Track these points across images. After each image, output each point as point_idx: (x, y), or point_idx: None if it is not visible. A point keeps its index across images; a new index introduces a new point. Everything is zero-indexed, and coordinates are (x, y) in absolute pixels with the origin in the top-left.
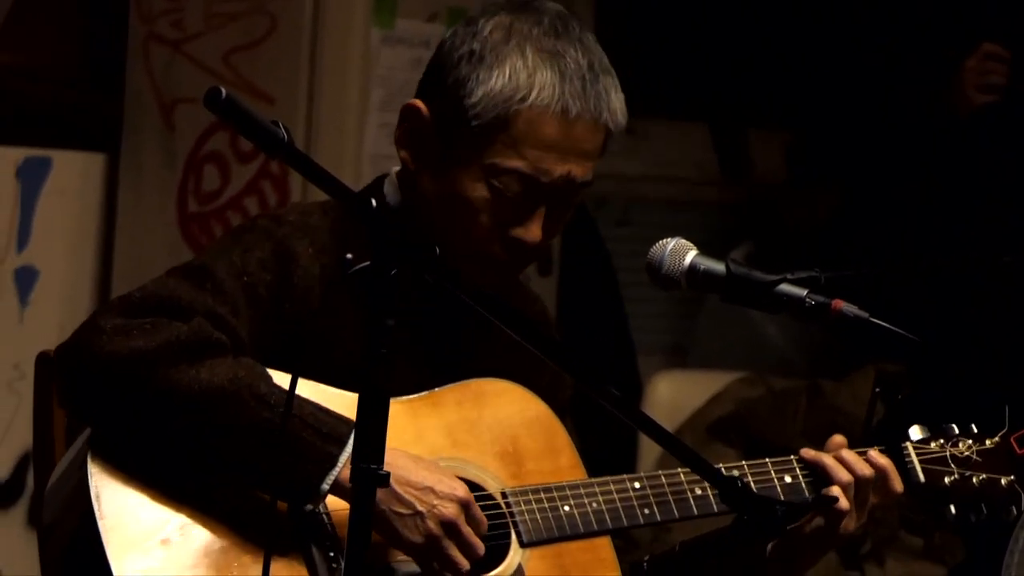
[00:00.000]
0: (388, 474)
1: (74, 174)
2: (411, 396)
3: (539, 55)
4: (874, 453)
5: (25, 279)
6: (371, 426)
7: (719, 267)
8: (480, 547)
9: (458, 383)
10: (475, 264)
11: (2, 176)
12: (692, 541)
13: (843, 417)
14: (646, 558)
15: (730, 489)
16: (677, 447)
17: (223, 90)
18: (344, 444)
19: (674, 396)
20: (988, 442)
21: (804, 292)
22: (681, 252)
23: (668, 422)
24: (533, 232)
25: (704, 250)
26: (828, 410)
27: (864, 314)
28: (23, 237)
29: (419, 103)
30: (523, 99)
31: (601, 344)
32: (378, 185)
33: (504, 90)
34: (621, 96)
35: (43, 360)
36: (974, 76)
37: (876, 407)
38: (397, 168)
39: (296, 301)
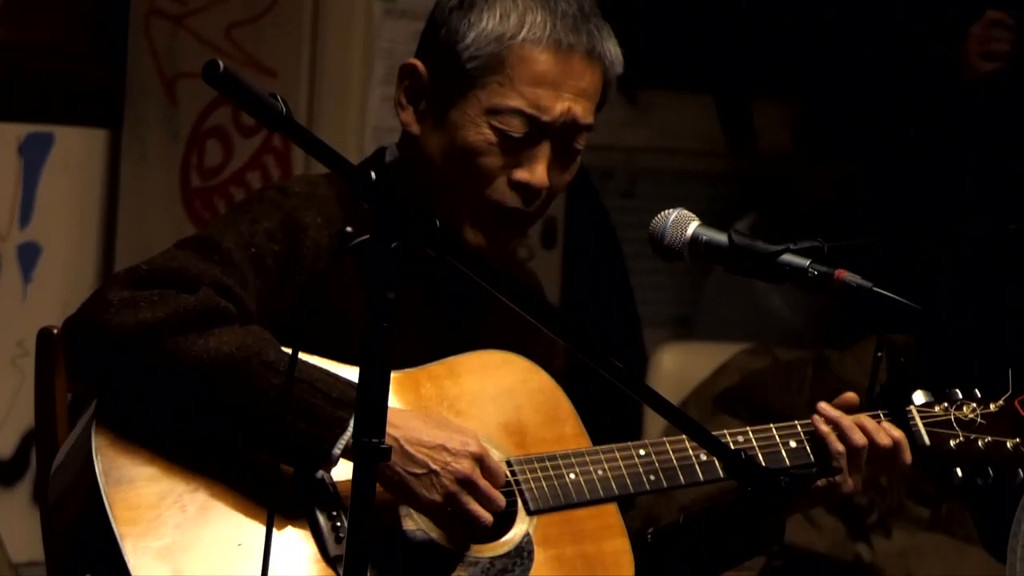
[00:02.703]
0: (390, 448)
1: (76, 150)
2: (414, 368)
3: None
4: (887, 425)
5: (28, 255)
6: (372, 399)
7: (721, 238)
8: (500, 498)
9: (460, 355)
10: (485, 218)
11: (4, 152)
12: (696, 513)
13: (849, 387)
14: (650, 530)
15: (735, 461)
16: (681, 419)
17: (221, 63)
18: (355, 408)
19: (679, 368)
20: (992, 405)
21: (807, 262)
22: (683, 223)
23: (673, 394)
24: (539, 174)
25: (709, 221)
26: (834, 380)
27: (867, 284)
28: (26, 213)
29: (415, 61)
30: (514, 36)
31: (606, 316)
32: (379, 157)
33: (495, 29)
34: (616, 44)
35: (44, 336)
36: (979, 43)
37: (879, 372)
38: (396, 141)
39: (305, 272)
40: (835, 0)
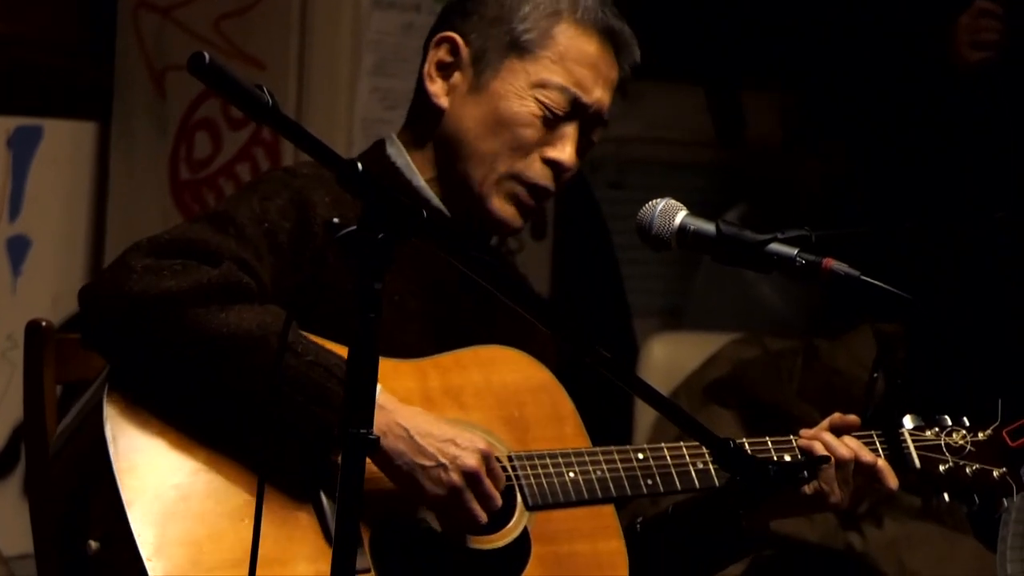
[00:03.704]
0: (377, 439)
1: (65, 142)
2: (419, 359)
3: None
4: (868, 454)
5: (17, 248)
6: (360, 390)
7: (709, 227)
8: (499, 499)
9: (466, 348)
10: (514, 191)
11: None
12: (685, 503)
13: (839, 377)
14: (639, 520)
15: (723, 451)
16: (671, 410)
17: (206, 55)
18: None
19: (669, 358)
20: (981, 434)
21: (795, 251)
22: (671, 212)
23: (664, 384)
24: (569, 153)
25: (699, 212)
26: (824, 370)
27: (855, 272)
28: (15, 206)
29: (454, 35)
30: (571, 13)
31: (596, 307)
32: (379, 149)
33: (551, 4)
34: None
35: (33, 329)
36: (968, 33)
37: (874, 391)
38: (386, 133)
39: (315, 249)
40: None
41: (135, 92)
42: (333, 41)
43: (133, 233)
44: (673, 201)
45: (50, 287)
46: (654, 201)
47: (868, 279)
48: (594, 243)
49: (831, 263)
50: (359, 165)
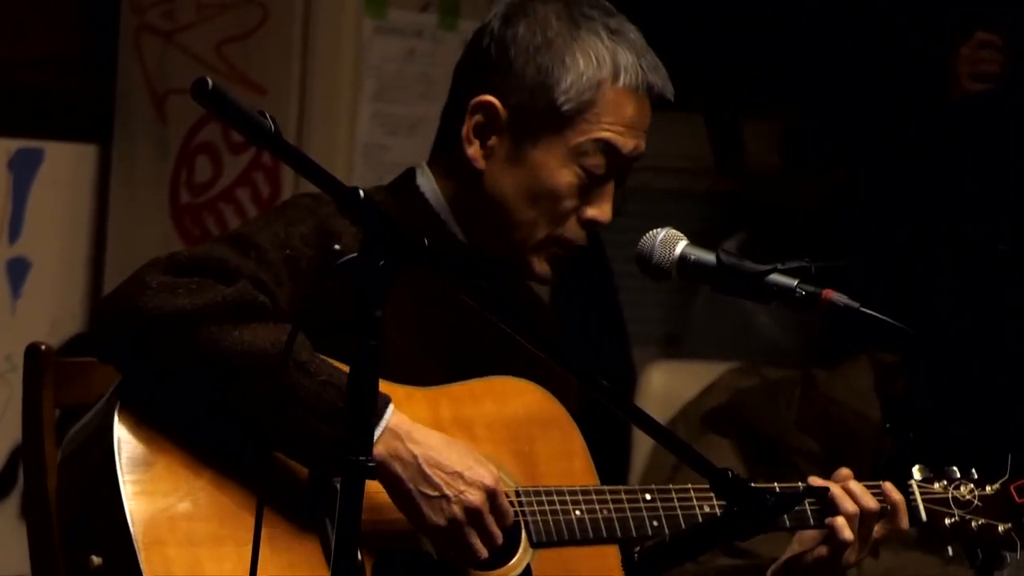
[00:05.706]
0: (376, 467)
1: (66, 165)
2: (433, 387)
3: (611, 37)
4: (888, 487)
5: (17, 270)
6: (360, 417)
7: (709, 257)
8: (499, 537)
9: (480, 379)
10: (552, 252)
11: None
12: (682, 531)
13: (836, 407)
14: (636, 549)
15: (721, 480)
16: (669, 439)
17: (209, 80)
18: (380, 419)
19: (668, 387)
20: (989, 488)
21: (794, 282)
22: (671, 242)
23: (661, 413)
24: (607, 212)
25: (698, 240)
26: (822, 400)
27: (855, 304)
28: (15, 228)
29: (491, 98)
30: (614, 81)
31: (595, 335)
32: (409, 176)
33: (595, 75)
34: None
35: (32, 352)
36: (968, 64)
37: (885, 442)
38: (425, 162)
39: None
40: (825, 17)
41: (136, 115)
42: (334, 66)
43: (133, 256)
44: (673, 231)
45: (49, 309)
46: (654, 231)
47: (867, 311)
48: (592, 271)
49: (831, 294)
50: (360, 192)
